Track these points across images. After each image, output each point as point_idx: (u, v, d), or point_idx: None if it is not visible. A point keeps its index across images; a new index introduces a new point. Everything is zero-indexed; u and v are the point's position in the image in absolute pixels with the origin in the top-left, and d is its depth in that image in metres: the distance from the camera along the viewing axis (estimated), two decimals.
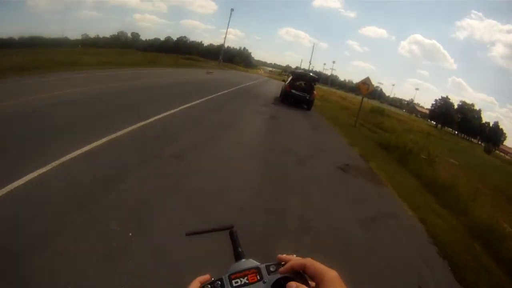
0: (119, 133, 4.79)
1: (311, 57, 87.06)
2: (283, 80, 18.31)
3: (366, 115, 18.18)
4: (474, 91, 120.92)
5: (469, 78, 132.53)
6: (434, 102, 69.40)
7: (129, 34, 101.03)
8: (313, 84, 14.60)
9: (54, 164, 3.36)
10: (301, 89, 13.97)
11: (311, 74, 16.61)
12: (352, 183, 5.22)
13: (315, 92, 14.40)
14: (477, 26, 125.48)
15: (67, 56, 23.91)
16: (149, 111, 6.50)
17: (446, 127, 65.19)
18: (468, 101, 70.66)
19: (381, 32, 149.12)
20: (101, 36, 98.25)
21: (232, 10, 54.18)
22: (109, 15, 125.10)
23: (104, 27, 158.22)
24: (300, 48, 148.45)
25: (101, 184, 3.13)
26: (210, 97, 10.71)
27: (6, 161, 3.36)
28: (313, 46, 77.30)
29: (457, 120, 63.42)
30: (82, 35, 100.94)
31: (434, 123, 69.06)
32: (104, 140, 4.36)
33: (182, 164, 4.14)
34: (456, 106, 65.92)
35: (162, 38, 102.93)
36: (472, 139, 63.68)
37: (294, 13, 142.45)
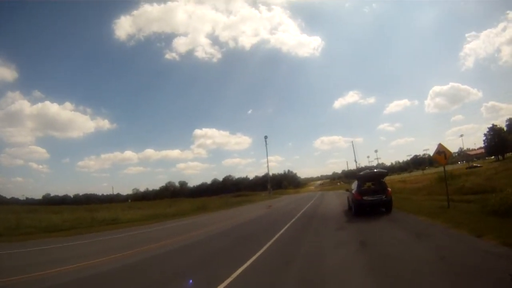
0: None
1: (355, 156, 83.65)
2: (347, 190, 16.39)
3: (440, 187, 16.15)
4: (508, 104, 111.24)
5: (498, 96, 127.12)
6: (484, 138, 63.84)
7: (176, 184, 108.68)
8: (383, 180, 12.68)
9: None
10: (372, 192, 11.94)
11: (375, 170, 14.74)
12: None
13: (389, 188, 12.21)
14: (477, 45, 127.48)
15: (112, 213, 24.58)
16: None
17: (507, 154, 58.97)
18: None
19: (403, 102, 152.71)
20: (150, 189, 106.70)
21: (266, 137, 58.17)
22: (154, 169, 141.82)
23: (152, 180, 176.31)
24: (339, 152, 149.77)
25: None
26: (273, 240, 8.54)
27: None
28: (352, 145, 74.87)
29: None
30: (132, 189, 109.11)
31: (493, 157, 62.53)
32: None
33: None
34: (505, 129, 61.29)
35: (208, 182, 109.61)
36: None
37: (320, 122, 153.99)
